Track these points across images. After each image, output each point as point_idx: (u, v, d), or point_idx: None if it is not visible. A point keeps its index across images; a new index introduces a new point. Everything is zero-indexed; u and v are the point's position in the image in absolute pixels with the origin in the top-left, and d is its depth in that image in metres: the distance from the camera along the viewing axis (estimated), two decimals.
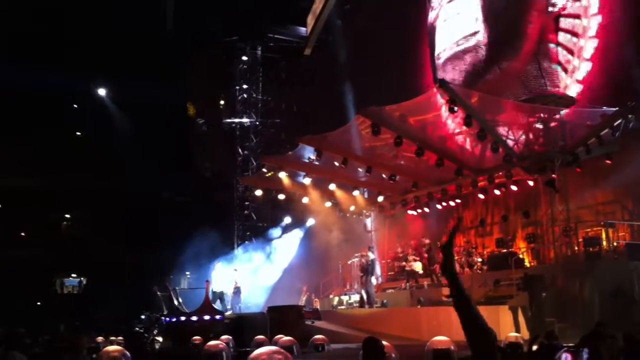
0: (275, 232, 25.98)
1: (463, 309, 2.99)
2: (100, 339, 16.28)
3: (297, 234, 23.98)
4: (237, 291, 21.48)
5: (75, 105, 33.91)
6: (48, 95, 28.54)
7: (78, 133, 34.46)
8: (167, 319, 18.81)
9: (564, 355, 6.12)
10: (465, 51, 24.76)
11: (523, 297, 14.74)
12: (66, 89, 28.92)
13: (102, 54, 29.95)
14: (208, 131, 35.11)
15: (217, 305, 19.46)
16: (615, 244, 16.85)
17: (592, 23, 20.39)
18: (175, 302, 19.71)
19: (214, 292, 19.84)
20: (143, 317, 21.30)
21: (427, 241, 20.69)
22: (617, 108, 16.66)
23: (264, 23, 33.21)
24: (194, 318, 18.27)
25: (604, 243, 16.63)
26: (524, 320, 14.08)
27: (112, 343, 14.50)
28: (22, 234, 33.88)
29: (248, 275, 23.32)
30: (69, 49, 29.74)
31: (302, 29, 33.94)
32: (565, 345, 7.89)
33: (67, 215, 35.10)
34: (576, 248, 17.00)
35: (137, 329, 20.72)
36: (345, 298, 22.05)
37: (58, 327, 22.33)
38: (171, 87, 30.29)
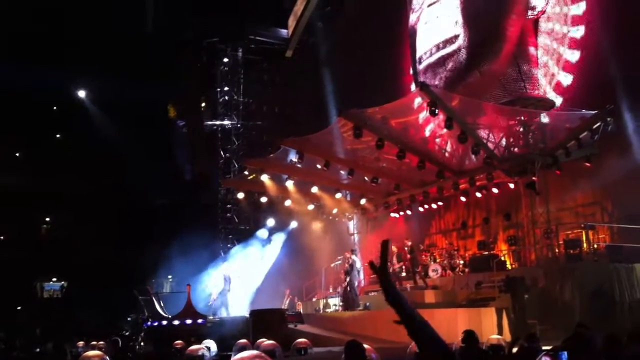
0: (259, 234, 25.89)
1: (417, 332, 2.95)
2: (80, 343, 16.11)
3: (279, 237, 23.91)
4: (222, 293, 21.37)
5: (54, 108, 33.58)
6: (28, 97, 28.23)
7: (58, 135, 34.12)
8: (149, 323, 18.67)
9: (543, 359, 6.14)
10: (445, 54, 24.89)
11: (505, 299, 14.81)
12: (46, 91, 28.61)
13: (83, 55, 29.70)
14: (189, 133, 34.94)
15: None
16: (595, 246, 17.02)
17: (572, 27, 20.61)
18: (157, 306, 19.57)
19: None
20: (129, 319, 21.11)
21: (409, 243, 20.71)
22: (596, 111, 16.83)
23: (245, 25, 33.13)
24: (176, 322, 18.15)
25: (585, 245, 16.77)
26: (506, 322, 14.14)
27: (93, 348, 14.35)
28: (1, 237, 33.46)
29: (231, 279, 23.20)
30: (49, 50, 29.46)
31: (284, 31, 33.93)
32: (545, 348, 7.93)
33: (48, 218, 34.71)
34: (557, 250, 17.13)
35: (120, 333, 20.53)
36: (332, 301, 22.04)
37: (35, 331, 22.10)
38: (152, 88, 30.08)
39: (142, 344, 18.53)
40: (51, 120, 33.13)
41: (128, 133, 29.45)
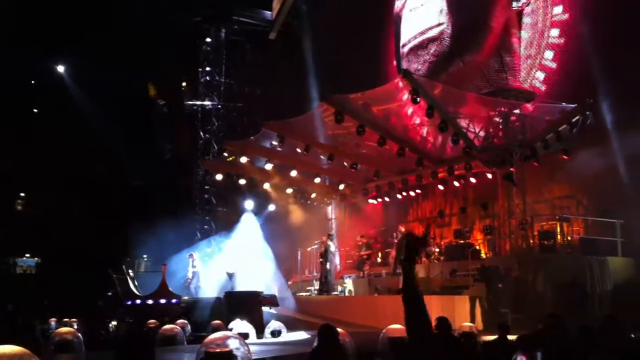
0: (236, 217, 25.80)
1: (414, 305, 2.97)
2: (53, 320, 16.01)
3: (257, 220, 23.85)
4: (194, 275, 21.29)
5: (32, 82, 33.05)
6: (4, 71, 27.72)
7: (35, 110, 33.60)
8: (128, 301, 18.57)
9: (519, 358, 6.21)
10: (429, 43, 24.91)
11: (479, 287, 14.96)
12: (24, 65, 28.16)
13: (63, 31, 29.22)
14: (169, 113, 34.65)
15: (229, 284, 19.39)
16: (569, 238, 17.22)
17: (555, 20, 20.69)
18: (131, 285, 19.46)
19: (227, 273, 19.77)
20: (109, 294, 20.90)
21: (402, 229, 20.80)
22: (575, 105, 16.97)
23: (229, 5, 32.83)
24: (150, 301, 18.08)
25: (559, 237, 16.95)
26: (479, 311, 14.29)
27: (65, 325, 14.28)
28: None
29: (206, 260, 23.13)
30: (29, 25, 28.94)
31: (268, 13, 33.73)
32: (510, 338, 8.01)
33: (22, 194, 34.27)
34: (531, 241, 17.29)
35: (94, 310, 20.38)
36: (307, 285, 22.12)
37: (6, 307, 21.85)
38: (133, 67, 29.74)
39: (114, 322, 18.44)
40: (28, 95, 32.60)
41: (107, 110, 29.11)
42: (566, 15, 20.32)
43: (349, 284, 21.09)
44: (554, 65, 20.45)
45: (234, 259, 20.59)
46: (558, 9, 20.58)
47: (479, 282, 15.27)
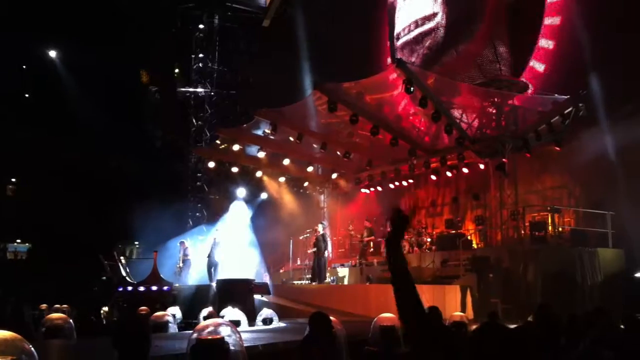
0: (228, 205, 25.76)
1: (402, 284, 2.94)
2: (43, 306, 15.94)
3: (248, 208, 23.81)
4: (185, 263, 21.26)
5: (24, 67, 32.81)
6: None
7: (26, 95, 33.37)
8: (121, 288, 18.54)
9: None
10: (423, 32, 24.90)
11: (470, 277, 15.03)
12: (16, 49, 27.94)
13: (56, 16, 28.98)
14: (161, 100, 34.46)
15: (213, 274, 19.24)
16: (560, 229, 17.32)
17: (549, 11, 20.70)
18: (122, 272, 19.42)
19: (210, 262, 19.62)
20: (103, 279, 20.82)
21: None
22: (568, 96, 17.01)
23: None
24: (141, 288, 18.06)
25: (550, 228, 17.04)
26: (470, 300, 14.35)
27: (56, 311, 14.22)
28: None
29: (198, 248, 23.09)
30: (18, 8, 28.66)
31: (262, 0, 33.50)
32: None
33: (13, 179, 34.09)
34: (522, 232, 17.37)
35: (87, 296, 20.35)
36: (299, 273, 22.13)
37: None
38: (125, 53, 29.55)
39: (105, 308, 18.41)
40: (20, 79, 32.37)
41: (99, 96, 28.94)
42: (560, 8, 20.34)
43: (341, 273, 21.13)
44: (547, 56, 20.48)
45: (219, 246, 20.41)
46: (552, 2, 20.60)
47: (469, 272, 15.35)
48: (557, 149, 17.52)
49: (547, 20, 20.77)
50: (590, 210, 16.98)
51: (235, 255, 20.10)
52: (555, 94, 17.71)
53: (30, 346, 4.46)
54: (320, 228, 20.96)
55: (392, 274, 3.01)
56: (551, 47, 20.49)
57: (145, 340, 4.08)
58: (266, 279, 21.29)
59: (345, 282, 20.78)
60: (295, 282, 21.97)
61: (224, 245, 20.00)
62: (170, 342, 9.32)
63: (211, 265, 19.50)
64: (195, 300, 16.20)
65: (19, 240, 31.97)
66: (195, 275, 20.96)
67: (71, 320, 10.25)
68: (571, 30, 19.25)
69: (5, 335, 4.60)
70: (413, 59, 24.37)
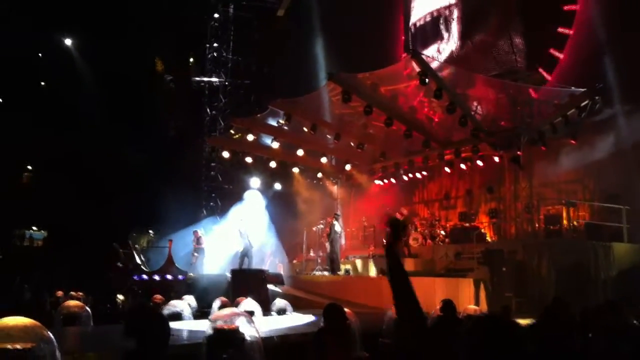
0: (241, 195, 25.86)
1: (399, 283, 2.98)
2: (60, 293, 16.12)
3: (262, 198, 23.89)
4: (199, 252, 21.40)
5: (39, 54, 32.97)
6: (13, 43, 27.65)
7: (42, 83, 33.56)
8: (135, 276, 18.70)
9: None
10: (439, 23, 24.75)
11: (483, 270, 15.01)
12: (31, 37, 28.08)
13: (70, 4, 29.07)
14: (176, 89, 34.54)
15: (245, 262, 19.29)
16: (575, 223, 17.24)
17: (566, 3, 20.54)
18: (137, 260, 19.59)
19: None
20: (119, 265, 21.00)
21: (405, 212, 20.80)
22: (584, 89, 16.89)
23: None
24: (156, 277, 18.21)
25: (564, 221, 16.97)
26: (483, 294, 14.35)
27: (72, 298, 14.38)
28: None
29: (212, 238, 23.22)
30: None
31: None
32: (522, 321, 8.04)
33: (29, 167, 34.35)
34: (537, 225, 17.32)
35: (103, 284, 20.53)
36: (313, 264, 22.18)
37: (14, 279, 22.03)
38: (140, 42, 29.62)
39: (120, 296, 18.59)
40: (36, 67, 32.54)
41: (113, 85, 29.06)
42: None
43: (355, 264, 21.15)
44: (564, 48, 20.33)
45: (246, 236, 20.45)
46: None
47: (482, 265, 15.33)
48: (573, 142, 17.42)
49: (565, 11, 20.59)
50: (605, 204, 16.88)
51: (255, 244, 20.24)
52: (571, 87, 17.59)
53: (49, 333, 4.54)
54: (333, 219, 20.99)
55: (389, 277, 3.06)
56: (568, 39, 20.32)
57: (164, 330, 4.14)
58: (280, 269, 21.40)
59: (359, 273, 20.83)
60: (316, 272, 21.82)
61: (251, 234, 20.07)
62: (186, 331, 9.42)
63: (245, 257, 19.52)
64: (209, 290, 16.31)
65: (34, 228, 32.24)
66: (208, 265, 21.10)
67: (88, 308, 10.40)
68: (589, 22, 19.09)
69: (25, 322, 4.68)
70: (428, 50, 24.25)
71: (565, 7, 20.62)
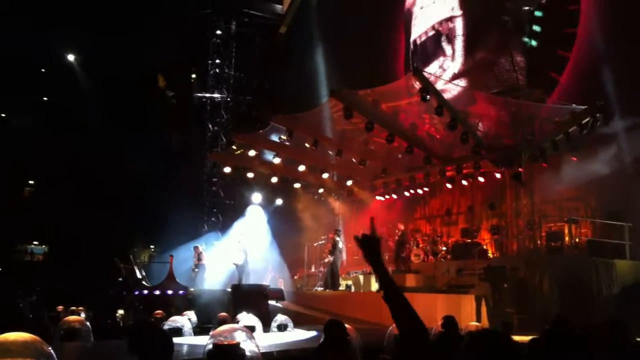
0: (243, 210, 25.86)
1: (393, 300, 2.97)
2: (60, 308, 16.09)
3: (264, 214, 23.89)
4: (200, 267, 21.35)
5: (43, 70, 33.18)
6: (16, 58, 27.87)
7: (45, 98, 33.73)
8: (136, 291, 18.67)
9: None
10: (440, 40, 24.86)
11: (484, 287, 14.96)
12: (35, 53, 28.29)
13: (72, 19, 29.31)
14: (178, 104, 34.69)
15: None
16: (577, 239, 17.20)
17: (567, 21, 20.64)
18: (138, 275, 19.55)
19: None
20: (120, 280, 20.97)
21: (402, 227, 20.78)
22: (586, 106, 16.92)
23: None
24: (157, 292, 18.17)
25: (566, 238, 16.94)
26: (485, 310, 14.29)
27: (72, 313, 14.35)
28: None
29: (213, 253, 23.19)
30: (41, 12, 29.04)
31: (278, 7, 33.73)
32: (523, 338, 8.02)
33: (31, 182, 34.43)
34: (539, 242, 17.29)
35: (103, 299, 20.51)
36: (314, 280, 22.14)
37: (16, 294, 22.01)
38: (143, 57, 29.80)
39: (120, 311, 18.54)
40: (39, 83, 32.73)
41: (115, 100, 29.21)
42: (578, 16, 20.28)
43: (355, 280, 21.08)
44: (565, 66, 20.40)
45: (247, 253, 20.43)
46: (571, 9, 20.53)
47: (484, 282, 15.28)
48: (574, 159, 17.42)
49: (566, 30, 20.69)
50: (607, 221, 16.84)
51: (255, 260, 20.20)
52: (572, 104, 17.63)
53: (50, 348, 4.52)
54: (335, 235, 20.96)
55: (383, 294, 3.05)
56: (569, 57, 20.40)
57: (167, 346, 4.12)
58: (280, 285, 21.34)
59: (361, 289, 20.75)
60: (318, 288, 21.74)
61: (250, 251, 20.07)
62: (186, 346, 9.40)
63: (241, 272, 19.49)
64: (210, 305, 16.26)
65: (36, 242, 32.26)
66: (209, 280, 21.05)
67: (88, 323, 10.38)
68: (590, 41, 19.17)
69: (25, 337, 4.67)
70: (429, 68, 24.35)
71: (565, 30, 20.73)
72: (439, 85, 17.43)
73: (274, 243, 22.75)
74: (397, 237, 20.27)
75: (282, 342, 11.02)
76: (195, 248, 21.74)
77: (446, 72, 23.47)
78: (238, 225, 23.44)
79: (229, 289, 16.95)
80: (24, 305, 17.15)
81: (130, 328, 12.60)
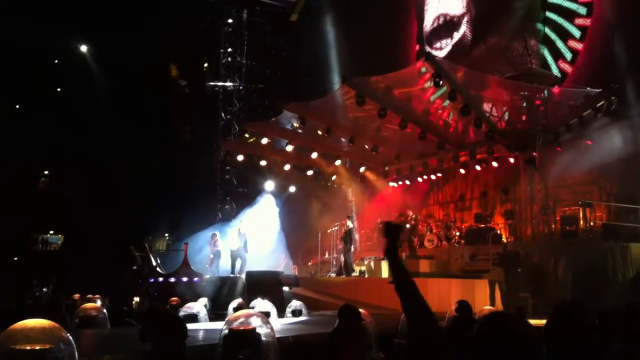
0: (256, 197, 25.95)
1: (403, 290, 2.97)
2: (76, 296, 16.25)
3: (277, 201, 23.97)
4: (216, 254, 21.47)
5: (56, 61, 33.31)
6: (30, 50, 27.98)
7: (58, 89, 33.89)
8: (151, 279, 18.79)
9: None
10: (452, 25, 24.71)
11: (498, 271, 14.96)
12: (49, 44, 28.40)
13: (85, 10, 29.37)
14: (190, 93, 34.73)
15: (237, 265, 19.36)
16: (591, 223, 17.11)
17: (581, 6, 20.43)
18: (153, 263, 19.68)
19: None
20: (134, 268, 21.14)
21: (412, 213, 20.76)
22: (600, 90, 16.78)
23: None
24: (172, 279, 18.29)
25: (581, 222, 16.85)
26: (499, 295, 14.30)
27: (89, 301, 14.49)
28: None
29: (227, 240, 23.32)
30: (55, 4, 29.12)
31: None
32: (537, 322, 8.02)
33: (46, 172, 34.67)
34: (553, 226, 17.22)
35: (119, 287, 20.67)
36: (327, 266, 22.21)
37: (31, 282, 22.25)
38: (155, 47, 29.82)
39: (136, 298, 18.68)
40: (52, 74, 32.88)
41: (128, 90, 29.29)
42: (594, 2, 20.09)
43: (370, 266, 21.12)
44: (578, 49, 20.23)
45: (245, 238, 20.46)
46: None
47: (497, 267, 15.27)
48: (589, 142, 17.29)
49: (579, 10, 20.48)
50: (622, 204, 16.73)
51: (264, 247, 20.27)
52: (586, 87, 17.48)
53: (69, 335, 4.59)
54: (348, 222, 20.98)
55: (395, 285, 3.04)
56: (583, 40, 20.22)
57: (180, 332, 4.18)
58: (294, 271, 21.43)
59: (375, 274, 20.79)
60: (332, 274, 21.82)
61: (251, 237, 20.10)
62: (202, 333, 9.49)
63: (236, 257, 19.58)
64: (224, 292, 16.38)
65: (51, 232, 32.53)
66: (225, 267, 21.18)
67: (105, 310, 10.51)
68: (603, 24, 18.98)
69: (44, 324, 4.75)
70: (442, 53, 24.22)
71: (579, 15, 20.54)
72: (451, 71, 17.29)
73: (287, 230, 22.80)
74: (408, 224, 20.28)
75: (297, 327, 11.09)
76: (213, 235, 21.86)
77: (459, 57, 23.32)
78: (247, 213, 23.52)
79: (243, 276, 17.05)
80: (40, 293, 17.34)
81: (141, 316, 12.71)
